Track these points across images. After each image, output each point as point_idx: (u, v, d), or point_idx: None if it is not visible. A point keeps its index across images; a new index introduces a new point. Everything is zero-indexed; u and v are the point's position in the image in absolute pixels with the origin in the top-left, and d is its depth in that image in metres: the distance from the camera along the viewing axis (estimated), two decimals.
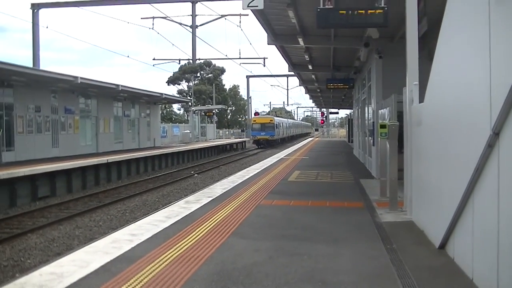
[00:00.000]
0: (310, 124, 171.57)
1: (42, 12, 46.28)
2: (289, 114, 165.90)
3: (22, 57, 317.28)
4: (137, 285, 7.62)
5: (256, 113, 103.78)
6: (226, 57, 74.32)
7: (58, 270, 8.34)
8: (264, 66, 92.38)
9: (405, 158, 13.80)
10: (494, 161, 6.75)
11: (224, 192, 17.91)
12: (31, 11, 46.43)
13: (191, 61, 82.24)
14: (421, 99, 11.90)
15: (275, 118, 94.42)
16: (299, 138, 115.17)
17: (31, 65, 41.43)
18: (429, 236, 10.76)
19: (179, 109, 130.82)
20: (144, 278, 7.94)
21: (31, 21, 45.86)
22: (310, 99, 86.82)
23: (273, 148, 76.65)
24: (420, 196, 12.20)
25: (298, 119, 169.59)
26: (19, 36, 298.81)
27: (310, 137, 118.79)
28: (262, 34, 24.74)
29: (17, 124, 34.34)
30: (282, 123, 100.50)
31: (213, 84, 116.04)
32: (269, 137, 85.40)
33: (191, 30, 65.69)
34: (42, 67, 43.96)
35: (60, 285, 7.52)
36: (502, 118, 6.29)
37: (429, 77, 10.68)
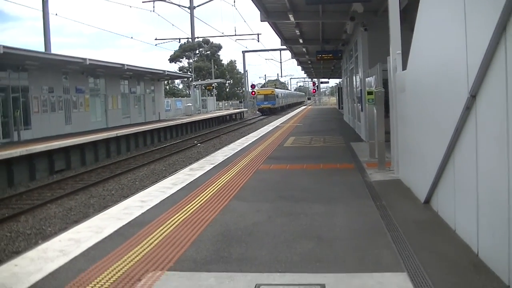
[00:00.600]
0: (304, 93, 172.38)
1: (52, 0, 46.03)
2: (283, 85, 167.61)
3: (34, 43, 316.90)
4: (148, 247, 7.67)
5: (253, 85, 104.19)
6: (222, 35, 74.70)
7: (76, 236, 8.39)
8: (259, 41, 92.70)
9: (391, 122, 13.83)
10: (472, 122, 6.78)
11: (225, 159, 17.95)
12: (41, 0, 46.20)
13: (190, 39, 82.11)
14: (404, 67, 11.90)
15: (276, 89, 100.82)
16: (294, 107, 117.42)
17: (43, 50, 41.21)
18: (415, 193, 10.81)
19: (179, 84, 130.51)
20: (154, 241, 7.99)
21: (42, 9, 45.52)
22: (302, 70, 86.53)
23: (273, 115, 77.23)
24: (406, 156, 12.25)
25: (292, 90, 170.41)
26: (31, 23, 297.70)
27: (304, 106, 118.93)
28: (256, 12, 24.67)
29: (32, 105, 34.38)
30: (281, 93, 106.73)
31: (212, 60, 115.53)
32: (271, 105, 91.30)
33: (189, 11, 65.47)
34: (53, 51, 43.74)
35: (78, 250, 7.57)
36: (478, 81, 6.31)
37: (411, 46, 10.69)
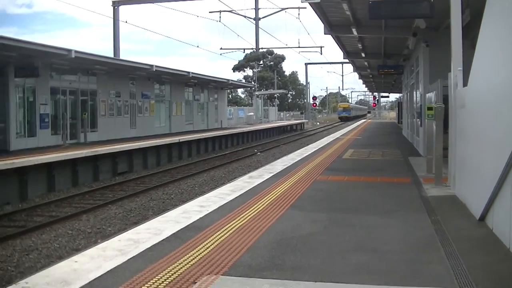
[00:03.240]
0: (366, 107, 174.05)
1: (122, 8, 46.72)
2: (343, 98, 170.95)
3: (103, 49, 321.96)
4: (204, 250, 7.69)
5: (314, 97, 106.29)
6: (286, 46, 75.16)
7: (135, 236, 8.48)
8: (321, 54, 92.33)
9: (449, 138, 13.68)
10: None
11: (284, 169, 17.91)
12: (112, 7, 46.91)
13: (254, 50, 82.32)
14: (465, 84, 11.77)
15: (350, 104, 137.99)
16: (360, 117, 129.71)
17: (112, 56, 41.91)
18: (471, 209, 10.65)
19: (243, 93, 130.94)
20: (210, 245, 8.01)
21: (112, 16, 46.24)
22: (363, 84, 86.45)
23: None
24: (463, 172, 12.08)
25: (353, 103, 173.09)
26: (101, 30, 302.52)
27: (364, 118, 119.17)
28: (319, 25, 24.74)
29: (100, 108, 35.07)
30: (353, 107, 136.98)
31: (275, 71, 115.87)
32: (348, 115, 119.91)
33: (254, 22, 65.75)
34: (121, 57, 44.40)
35: (136, 250, 7.64)
36: None
37: (472, 63, 10.57)
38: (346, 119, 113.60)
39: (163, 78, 43.70)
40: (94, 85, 34.53)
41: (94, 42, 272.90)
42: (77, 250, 12.62)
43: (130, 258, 7.26)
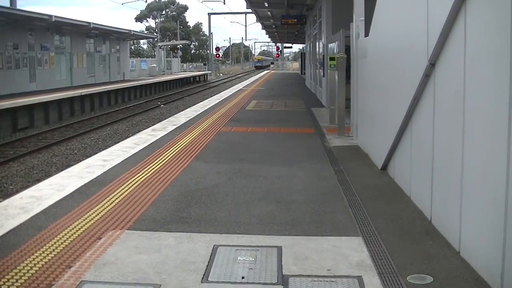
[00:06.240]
0: (271, 58, 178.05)
1: None
2: (247, 49, 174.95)
3: None
4: (109, 205, 7.64)
5: (217, 48, 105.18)
6: None
7: (37, 193, 8.31)
8: (224, 4, 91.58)
9: (352, 88, 13.88)
10: (430, 90, 6.81)
11: (188, 120, 17.90)
12: None
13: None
14: (367, 34, 11.92)
15: (263, 57, 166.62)
16: (264, 68, 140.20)
17: (8, 5, 40.61)
18: (373, 159, 10.89)
19: (145, 45, 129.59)
20: (115, 200, 7.95)
21: None
22: (266, 34, 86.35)
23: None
24: (365, 123, 12.30)
25: (256, 53, 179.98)
26: None
27: (267, 70, 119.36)
28: None
29: None
30: (264, 59, 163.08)
31: (178, 21, 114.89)
32: (261, 64, 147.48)
33: None
34: (19, 7, 43.12)
35: (39, 207, 7.50)
36: (438, 49, 6.33)
37: (373, 13, 10.69)
38: (260, 68, 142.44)
39: (63, 29, 42.47)
40: None
41: None
42: None
43: (33, 216, 7.13)
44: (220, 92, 36.55)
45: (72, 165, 13.00)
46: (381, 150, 9.86)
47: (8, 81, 34.39)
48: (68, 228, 6.63)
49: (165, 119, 20.95)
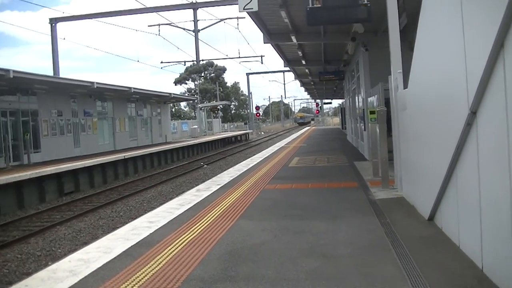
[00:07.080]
0: (312, 115, 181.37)
1: (60, 25, 46.48)
2: (287, 107, 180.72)
3: (43, 68, 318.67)
4: (156, 266, 7.65)
5: (257, 107, 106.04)
6: (226, 57, 75.10)
7: (85, 256, 8.37)
8: (262, 63, 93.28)
9: (393, 140, 13.83)
10: (473, 138, 6.76)
11: (231, 180, 17.92)
12: (49, 25, 46.54)
13: (195, 62, 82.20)
14: (405, 86, 11.91)
15: (304, 114, 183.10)
16: (306, 124, 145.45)
17: (51, 74, 41.48)
18: (419, 210, 10.77)
19: (185, 107, 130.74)
20: (162, 260, 7.97)
21: (50, 34, 45.88)
22: (305, 91, 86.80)
23: (279, 136, 77.06)
24: (409, 174, 12.21)
25: (296, 111, 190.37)
26: (40, 48, 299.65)
27: (308, 126, 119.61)
28: (259, 34, 24.69)
29: (42, 128, 34.53)
30: (305, 115, 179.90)
31: (216, 82, 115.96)
32: (302, 121, 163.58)
33: (193, 34, 65.61)
34: (61, 75, 44.07)
35: (88, 270, 7.55)
36: (478, 98, 6.31)
37: (411, 65, 10.70)
38: (302, 124, 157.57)
39: (105, 95, 43.38)
40: (35, 104, 33.96)
41: (33, 60, 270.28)
42: (27, 274, 12.42)
43: (82, 279, 7.17)
44: (262, 151, 36.64)
45: (118, 227, 13.09)
46: (427, 200, 9.77)
47: (53, 147, 35.07)
48: None
49: (208, 179, 21.01)
